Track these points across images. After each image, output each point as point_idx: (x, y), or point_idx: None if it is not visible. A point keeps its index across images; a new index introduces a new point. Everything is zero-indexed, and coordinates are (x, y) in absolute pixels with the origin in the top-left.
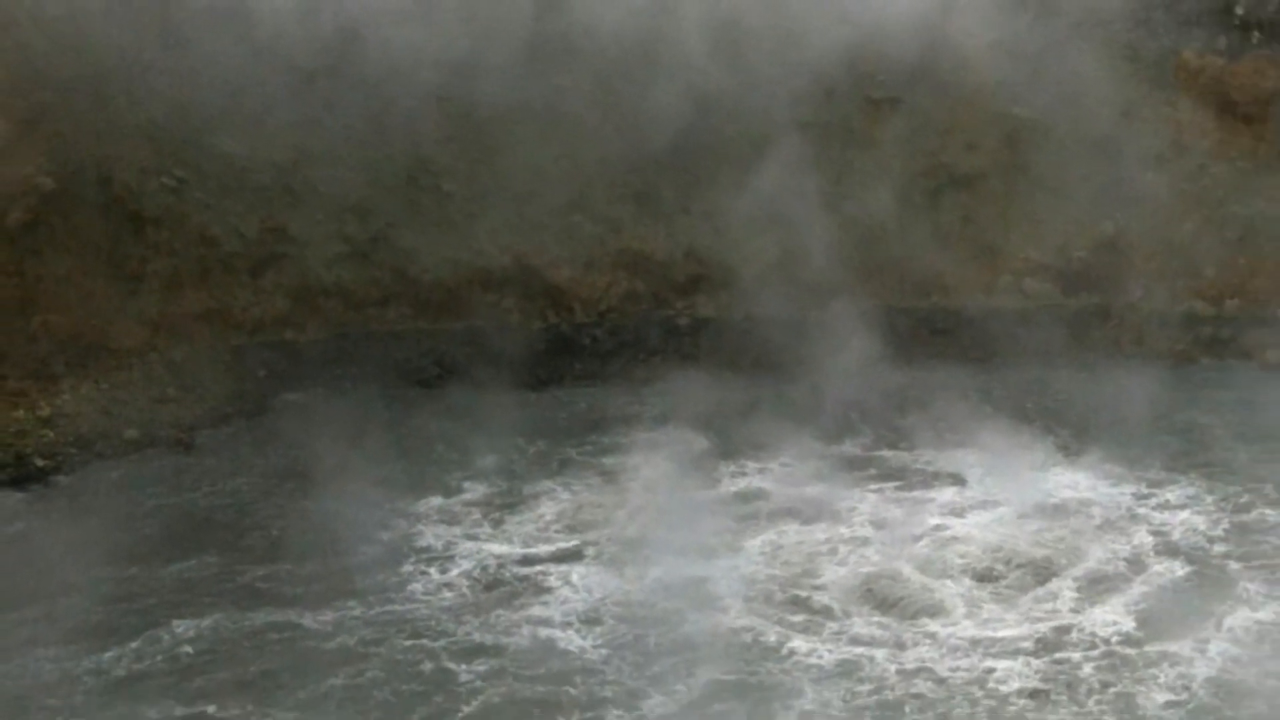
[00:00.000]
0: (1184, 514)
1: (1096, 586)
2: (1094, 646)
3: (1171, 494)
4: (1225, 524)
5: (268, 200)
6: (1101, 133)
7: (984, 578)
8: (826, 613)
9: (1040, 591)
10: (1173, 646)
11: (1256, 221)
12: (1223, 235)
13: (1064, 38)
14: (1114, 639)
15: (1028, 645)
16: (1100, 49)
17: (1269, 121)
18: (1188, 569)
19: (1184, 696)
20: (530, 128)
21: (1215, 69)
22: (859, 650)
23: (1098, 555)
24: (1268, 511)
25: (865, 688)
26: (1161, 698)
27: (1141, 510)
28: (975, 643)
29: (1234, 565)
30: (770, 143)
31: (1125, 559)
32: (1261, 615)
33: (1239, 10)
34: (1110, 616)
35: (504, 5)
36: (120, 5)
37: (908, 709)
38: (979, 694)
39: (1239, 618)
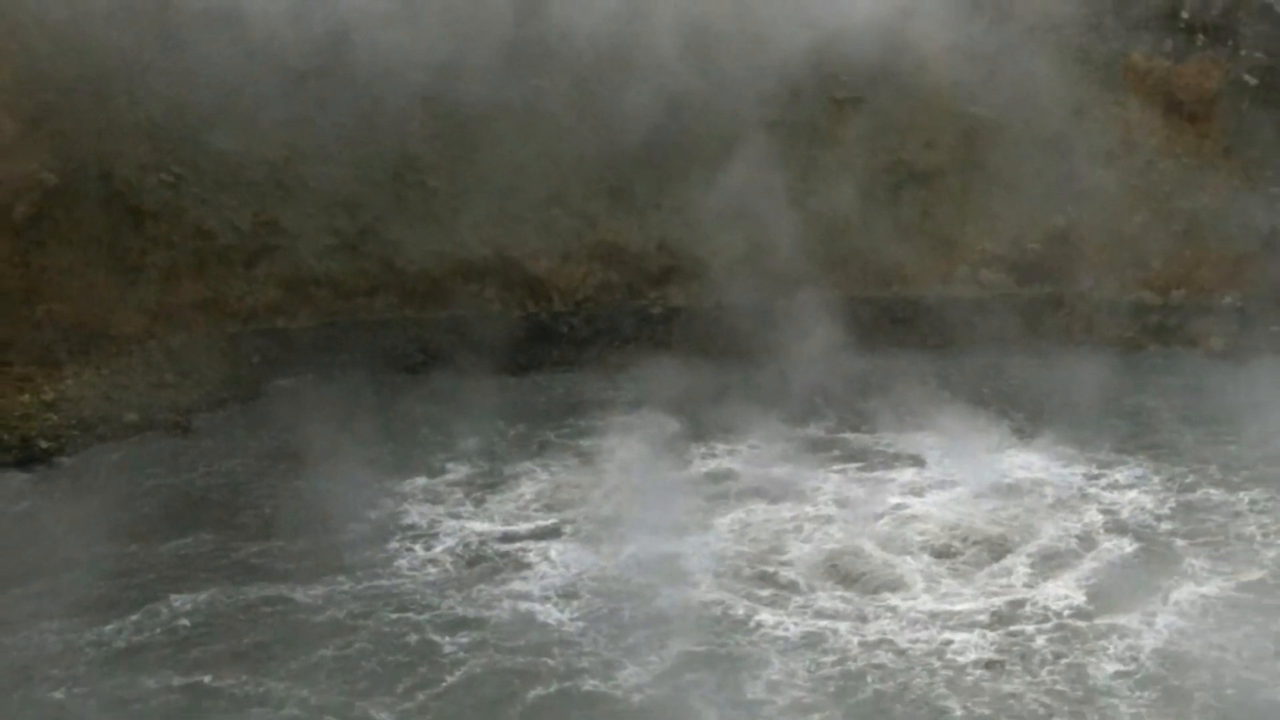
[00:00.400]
0: (1132, 493)
1: (1049, 562)
2: (1046, 619)
3: (1120, 474)
4: (1172, 503)
5: (261, 195)
6: (1054, 131)
7: (942, 554)
8: (792, 587)
9: (995, 567)
10: (1121, 619)
11: (1201, 215)
12: (1169, 228)
13: (1018, 41)
14: (1066, 612)
15: (983, 618)
16: (1053, 51)
17: (1213, 120)
18: (1136, 546)
19: (1132, 667)
20: (510, 126)
21: (1162, 70)
22: (823, 623)
23: (1050, 533)
24: (1212, 491)
25: (829, 659)
26: (1111, 668)
27: (1092, 490)
28: (934, 616)
29: (1180, 542)
30: (739, 141)
31: (1076, 536)
32: (1206, 590)
33: (1184, 15)
34: (1062, 591)
35: (486, 10)
36: (121, 9)
37: (869, 679)
38: (937, 664)
39: (1184, 592)
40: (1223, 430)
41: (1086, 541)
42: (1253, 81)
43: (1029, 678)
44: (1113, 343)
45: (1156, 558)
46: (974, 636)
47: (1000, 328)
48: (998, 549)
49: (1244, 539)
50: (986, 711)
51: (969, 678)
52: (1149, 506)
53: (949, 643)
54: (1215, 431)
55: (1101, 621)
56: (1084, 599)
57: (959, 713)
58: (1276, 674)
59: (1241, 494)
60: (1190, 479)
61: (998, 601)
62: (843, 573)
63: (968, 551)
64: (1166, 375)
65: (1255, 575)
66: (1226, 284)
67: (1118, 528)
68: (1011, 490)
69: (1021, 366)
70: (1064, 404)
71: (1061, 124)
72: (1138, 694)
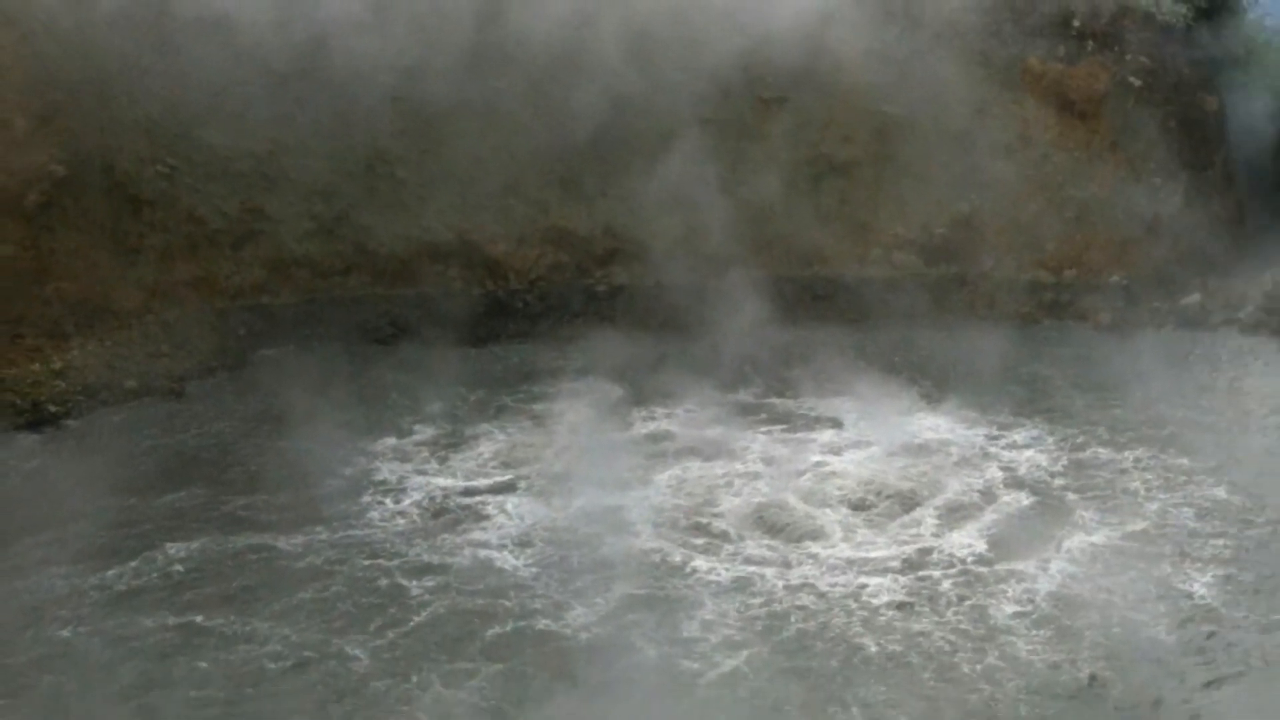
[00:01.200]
0: (1029, 452)
1: (954, 514)
2: (952, 565)
3: (1018, 435)
4: (1064, 461)
5: (247, 185)
6: (959, 127)
7: (858, 507)
8: (724, 537)
9: (906, 519)
10: (1019, 565)
11: (1090, 203)
12: (1062, 215)
13: (927, 46)
14: (969, 559)
15: (895, 564)
16: (958, 56)
17: (1101, 118)
18: (1032, 499)
19: (1029, 608)
20: (471, 123)
21: (1055, 73)
22: (751, 569)
23: (955, 488)
24: (1100, 450)
25: (757, 600)
26: (1010, 609)
27: (992, 449)
28: (850, 562)
29: (1071, 496)
30: (676, 136)
31: (979, 491)
32: (1095, 539)
33: (1076, 23)
34: (966, 540)
35: (449, 19)
36: (122, 18)
37: (793, 619)
38: (854, 606)
39: (1075, 541)
40: (1110, 396)
41: (988, 495)
42: (1137, 83)
43: (936, 618)
44: (1011, 317)
45: (1050, 510)
46: (887, 581)
47: (910, 304)
48: (908, 502)
49: (1129, 493)
50: (898, 648)
51: (882, 618)
52: (1044, 464)
53: (864, 586)
54: (1103, 397)
55: (1001, 567)
56: (985, 547)
57: (873, 649)
58: (1158, 614)
59: (1127, 453)
60: (1081, 439)
61: (908, 549)
62: (769, 523)
63: (881, 504)
64: (1059, 346)
65: (1139, 526)
66: (1113, 265)
67: (1016, 483)
68: (920, 450)
69: (929, 339)
70: (967, 372)
71: (965, 121)
72: (1034, 632)
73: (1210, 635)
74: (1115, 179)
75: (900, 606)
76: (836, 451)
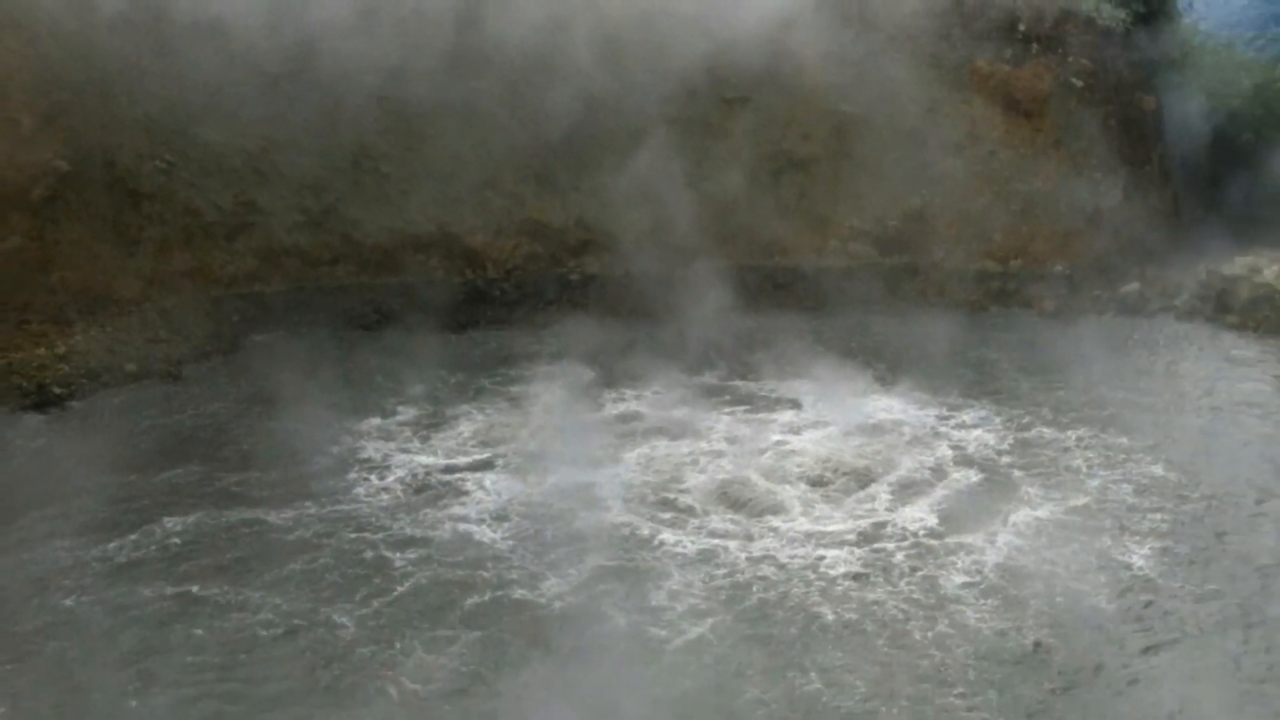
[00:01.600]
0: (977, 432)
1: (907, 490)
2: (905, 538)
3: (967, 416)
4: (1010, 440)
5: (241, 179)
6: (911, 125)
7: (816, 483)
8: (690, 511)
9: (861, 494)
10: (968, 538)
11: (1035, 197)
12: (1008, 208)
13: (881, 49)
14: (921, 532)
15: (851, 537)
16: (910, 58)
17: (1045, 117)
18: (980, 476)
19: (977, 578)
20: (452, 122)
21: (1002, 74)
22: (715, 541)
23: (908, 465)
24: (1044, 430)
25: (721, 571)
26: (959, 579)
27: (943, 429)
28: (809, 535)
29: (1017, 473)
30: (644, 134)
31: (930, 468)
32: (1039, 513)
33: (1021, 27)
34: (918, 514)
35: (430, 23)
36: (122, 22)
37: (755, 589)
38: (812, 576)
39: (1021, 515)
40: (1053, 379)
41: (938, 472)
42: (1079, 84)
43: (890, 587)
44: (960, 304)
45: (998, 486)
46: (843, 553)
47: (865, 292)
48: (863, 479)
49: (1072, 470)
50: (854, 616)
51: (839, 588)
52: (991, 443)
53: (822, 558)
54: (1047, 380)
55: (951, 540)
56: (936, 521)
57: (830, 617)
58: (1099, 584)
59: (1069, 432)
60: (1026, 420)
61: (863, 523)
62: (732, 499)
63: (838, 481)
64: (1006, 332)
65: (1081, 501)
66: (1056, 255)
67: (965, 461)
68: (875, 429)
69: (883, 325)
70: (919, 356)
71: (917, 120)
72: (982, 601)
73: (1148, 604)
74: (1059, 174)
75: (856, 577)
76: (796, 431)
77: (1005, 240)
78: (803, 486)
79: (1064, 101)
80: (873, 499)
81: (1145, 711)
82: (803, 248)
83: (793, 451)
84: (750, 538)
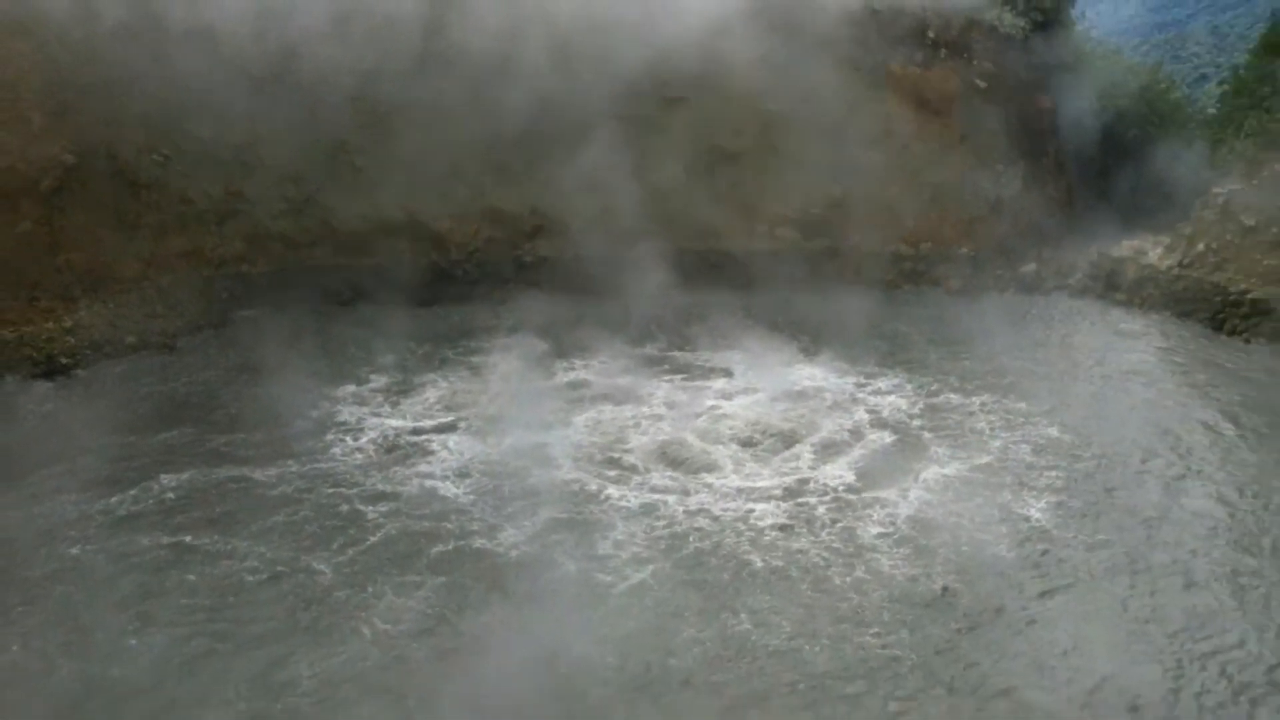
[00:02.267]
0: (891, 398)
1: (828, 450)
2: (826, 494)
3: (882, 383)
4: (921, 405)
5: (230, 171)
6: (832, 122)
7: (746, 444)
8: (633, 469)
9: (787, 454)
10: (883, 494)
11: (943, 187)
12: (919, 197)
13: (805, 53)
14: (840, 488)
15: (778, 493)
16: (831, 61)
17: (952, 114)
18: (894, 438)
19: (891, 529)
20: (419, 119)
21: (914, 76)
22: (656, 496)
23: (829, 428)
24: (951, 396)
25: (661, 523)
26: (875, 530)
27: (860, 395)
28: (740, 491)
29: (927, 435)
30: (592, 130)
31: (849, 430)
32: (947, 471)
33: (930, 34)
34: (838, 472)
35: (400, 31)
36: (123, 30)
37: (691, 539)
38: (743, 528)
39: (930, 473)
40: (959, 350)
41: (856, 434)
42: (982, 85)
43: (812, 537)
44: (876, 283)
45: (909, 446)
46: (770, 506)
47: (790, 272)
48: (789, 440)
49: (976, 432)
50: (780, 563)
51: (767, 538)
52: (904, 408)
53: (751, 511)
54: (954, 351)
55: (867, 495)
56: (854, 478)
57: (759, 564)
58: (1000, 535)
59: (974, 398)
60: (935, 387)
61: (789, 480)
62: (671, 458)
63: (766, 442)
64: (917, 308)
65: (985, 460)
66: (962, 239)
67: (880, 424)
68: (799, 395)
69: (807, 302)
70: (839, 330)
71: (837, 117)
72: (895, 550)
73: (1044, 552)
74: (964, 166)
75: (782, 528)
76: (728, 397)
77: (916, 226)
78: (734, 447)
79: (969, 101)
80: (797, 458)
81: (1042, 649)
82: (734, 233)
83: (725, 415)
84: (687, 493)
